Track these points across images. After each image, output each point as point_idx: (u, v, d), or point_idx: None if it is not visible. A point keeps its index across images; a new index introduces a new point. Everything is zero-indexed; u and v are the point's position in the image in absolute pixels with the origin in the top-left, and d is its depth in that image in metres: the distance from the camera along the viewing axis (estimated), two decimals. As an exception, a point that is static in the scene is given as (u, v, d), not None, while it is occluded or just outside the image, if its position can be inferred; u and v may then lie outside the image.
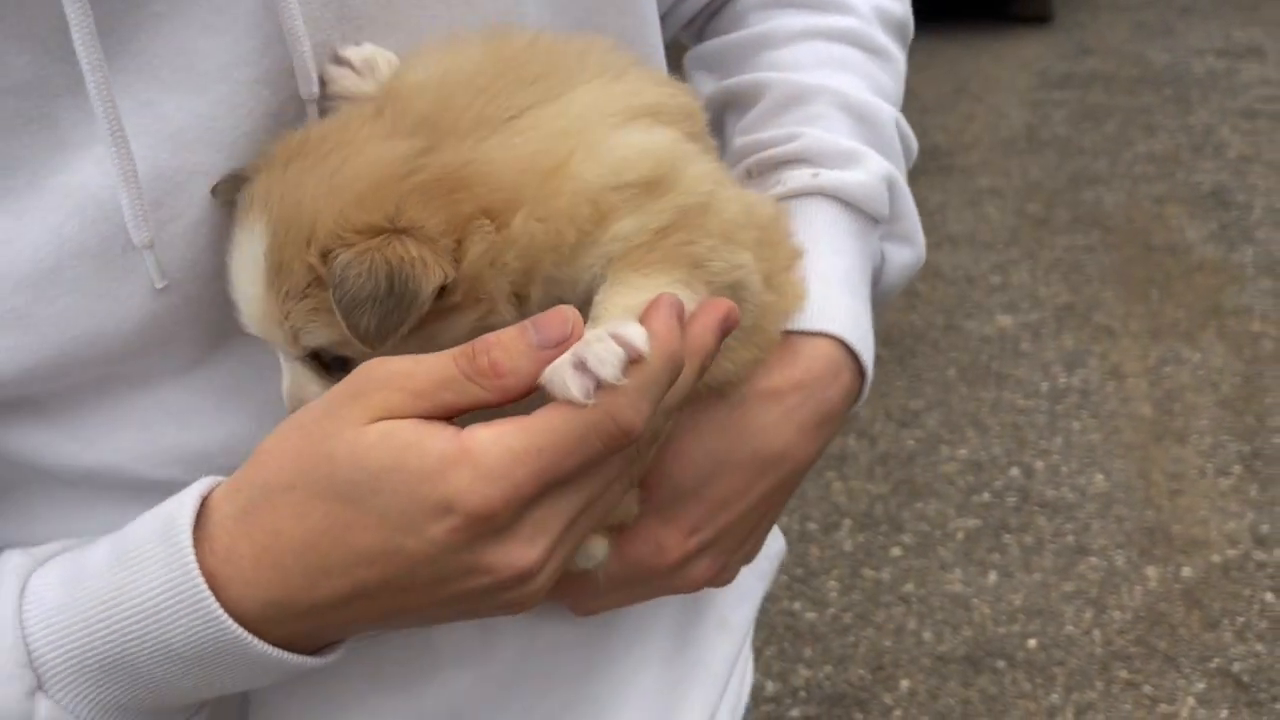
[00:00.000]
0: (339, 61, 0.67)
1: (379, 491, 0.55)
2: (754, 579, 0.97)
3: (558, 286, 0.64)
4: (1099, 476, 3.62)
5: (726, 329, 0.64)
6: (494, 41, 0.67)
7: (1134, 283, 4.96)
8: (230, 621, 0.59)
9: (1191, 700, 2.74)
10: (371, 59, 0.67)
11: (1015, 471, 3.68)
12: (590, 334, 0.57)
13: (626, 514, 0.75)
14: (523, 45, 0.67)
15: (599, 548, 0.72)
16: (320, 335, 0.61)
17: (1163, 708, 2.73)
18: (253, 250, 0.61)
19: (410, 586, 0.57)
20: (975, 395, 4.09)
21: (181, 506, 0.60)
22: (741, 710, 0.97)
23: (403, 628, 0.70)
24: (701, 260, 0.65)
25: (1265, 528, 3.31)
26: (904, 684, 2.88)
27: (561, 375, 0.55)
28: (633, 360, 0.55)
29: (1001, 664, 2.90)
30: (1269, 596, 3.05)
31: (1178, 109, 7.39)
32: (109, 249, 0.62)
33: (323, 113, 0.67)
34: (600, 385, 0.55)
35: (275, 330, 0.62)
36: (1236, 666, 2.83)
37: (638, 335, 0.56)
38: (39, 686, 0.60)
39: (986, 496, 3.56)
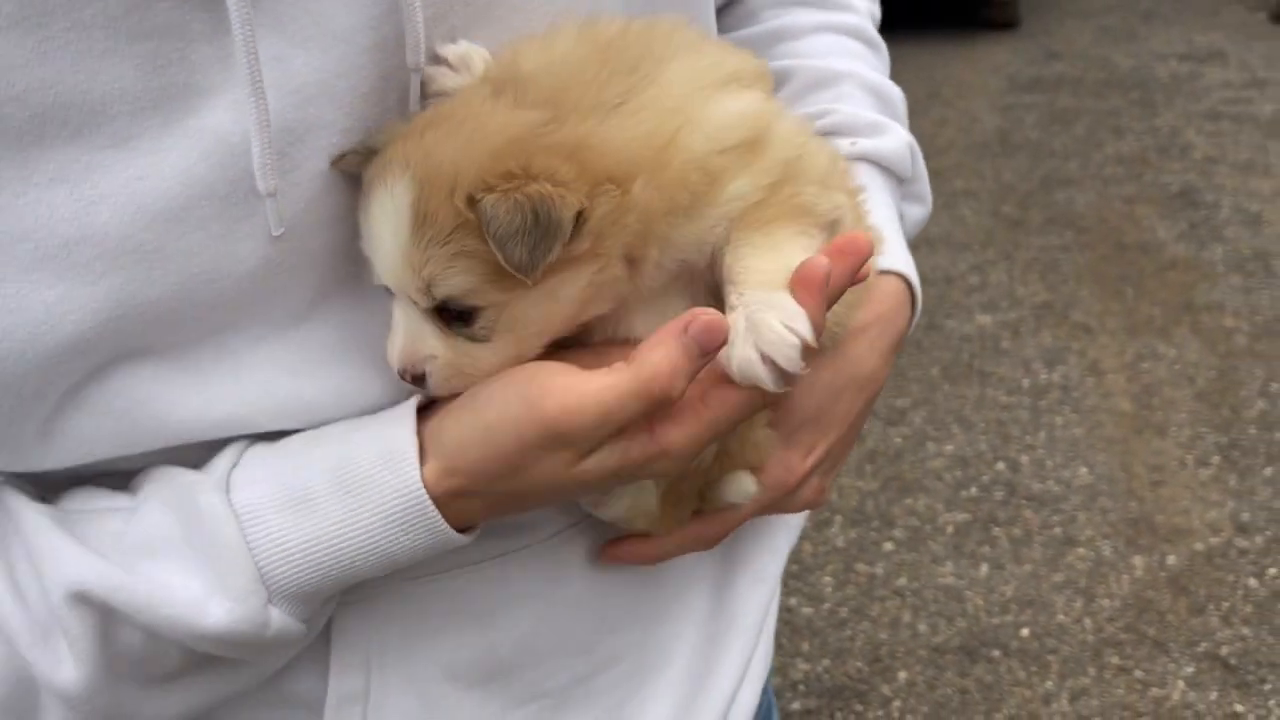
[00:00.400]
0: (437, 60, 0.72)
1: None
2: (784, 535, 1.03)
3: (679, 249, 0.71)
4: (1083, 469, 3.70)
5: (857, 281, 0.73)
6: (589, 32, 0.72)
7: (1109, 281, 5.06)
8: (450, 530, 0.70)
9: (1181, 683, 2.81)
10: (467, 55, 0.72)
11: (1001, 466, 3.76)
12: (759, 316, 0.66)
13: (767, 451, 0.84)
14: (616, 34, 0.72)
15: (749, 484, 0.82)
16: (456, 282, 0.67)
17: (1154, 691, 2.80)
18: (396, 204, 0.66)
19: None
20: (959, 393, 4.16)
21: (401, 433, 0.70)
22: (769, 658, 1.04)
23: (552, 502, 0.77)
24: (810, 207, 0.72)
25: (1245, 515, 3.39)
26: (901, 675, 2.93)
27: (755, 370, 0.66)
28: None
29: (996, 653, 2.95)
30: (1252, 582, 3.13)
31: (1144, 112, 7.54)
32: (233, 192, 0.65)
33: (424, 103, 0.72)
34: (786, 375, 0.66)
35: (411, 279, 0.67)
36: (1224, 650, 2.90)
37: (805, 327, 0.66)
38: (269, 600, 0.69)
39: (974, 491, 3.63)
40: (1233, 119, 7.24)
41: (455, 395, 0.71)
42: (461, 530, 0.71)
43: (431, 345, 0.69)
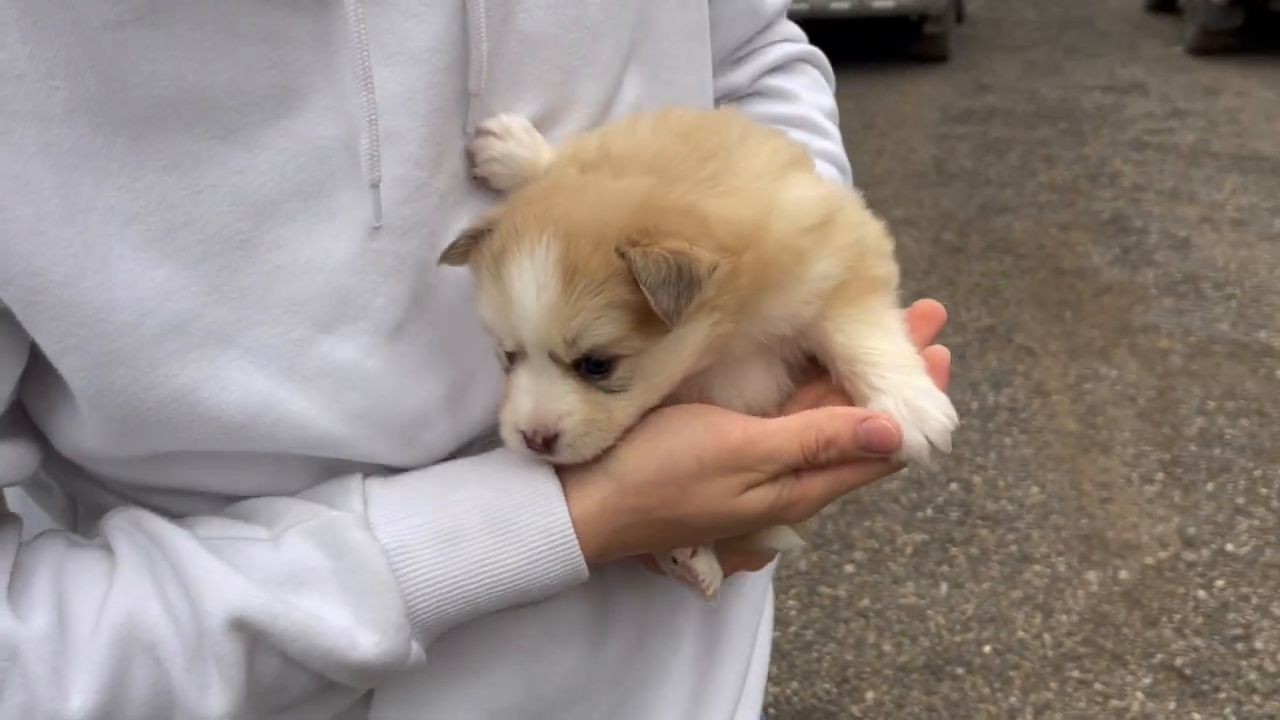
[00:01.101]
0: (480, 133, 0.77)
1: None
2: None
3: (769, 321, 0.77)
4: (1034, 488, 3.78)
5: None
6: (665, 120, 0.80)
7: (1049, 305, 5.20)
8: (584, 564, 0.74)
9: (1140, 694, 2.88)
10: (507, 125, 0.78)
11: (955, 487, 3.82)
12: (919, 404, 0.75)
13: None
14: (693, 123, 0.80)
15: (794, 537, 0.88)
16: (604, 331, 0.71)
17: (1114, 703, 2.86)
18: (541, 261, 0.70)
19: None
20: (911, 416, 4.23)
21: (545, 473, 0.74)
22: (764, 677, 1.08)
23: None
24: (886, 280, 0.82)
25: (1191, 529, 3.50)
26: (869, 695, 2.95)
27: (923, 454, 0.75)
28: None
29: (960, 670, 3.00)
30: (1201, 593, 3.22)
31: (1073, 141, 7.79)
32: (319, 193, 0.69)
33: (477, 166, 0.78)
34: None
35: (558, 333, 0.71)
36: (1179, 660, 2.98)
37: (954, 413, 0.76)
38: (412, 634, 0.71)
39: (930, 512, 3.69)
40: (1156, 148, 7.51)
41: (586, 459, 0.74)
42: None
43: (568, 402, 0.72)
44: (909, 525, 3.62)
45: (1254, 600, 3.17)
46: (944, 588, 3.32)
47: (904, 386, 0.76)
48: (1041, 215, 6.39)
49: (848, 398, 0.79)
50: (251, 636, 0.67)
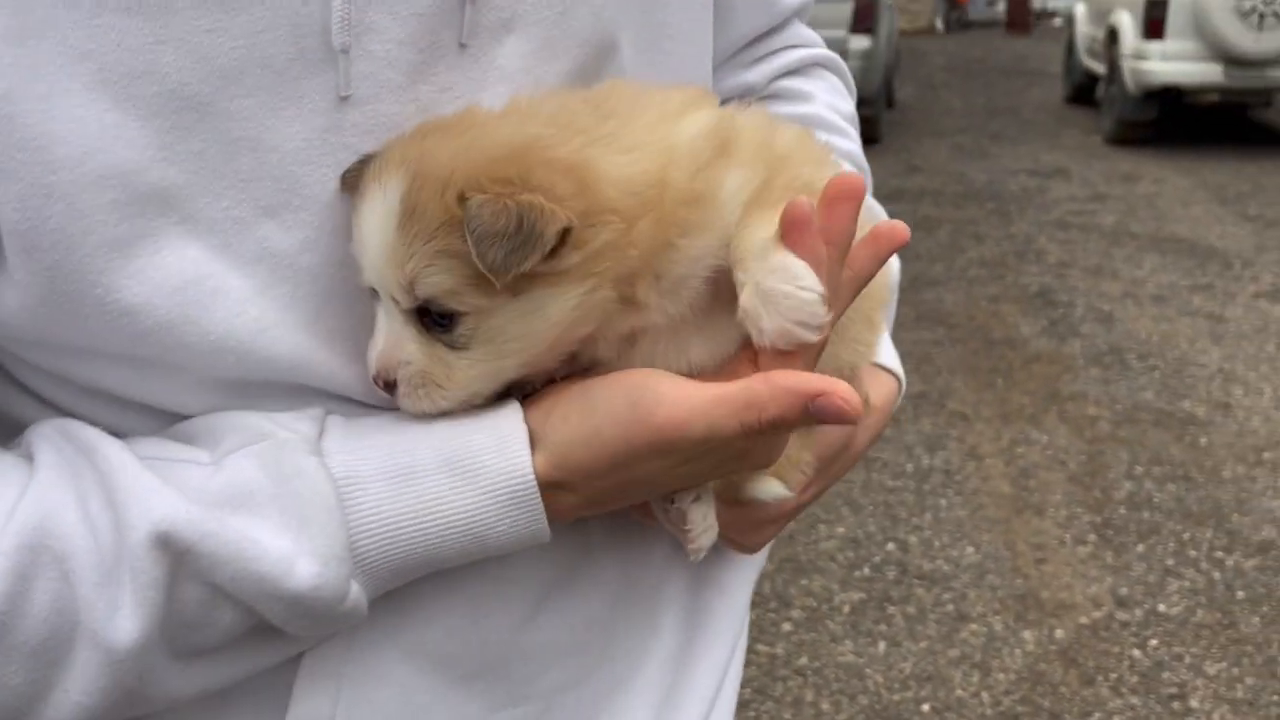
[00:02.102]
0: None
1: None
2: (749, 561, 1.01)
3: (701, 264, 0.70)
4: (969, 549, 3.78)
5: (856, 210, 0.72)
6: (575, 89, 0.76)
7: (980, 373, 5.28)
8: (545, 520, 0.69)
9: (1079, 753, 2.85)
10: None
11: (891, 546, 3.81)
12: (768, 286, 0.67)
13: (802, 474, 0.85)
14: (597, 90, 0.75)
15: (779, 487, 0.82)
16: (437, 281, 0.65)
17: (1053, 762, 2.82)
18: (386, 199, 0.65)
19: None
20: (847, 476, 4.22)
21: (512, 421, 0.69)
22: (739, 677, 1.02)
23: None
24: (811, 184, 0.72)
25: (1124, 590, 3.51)
26: (807, 755, 2.88)
27: (792, 335, 0.67)
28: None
29: (899, 729, 2.94)
30: (1136, 653, 3.22)
31: (1000, 220, 8.02)
32: (289, 69, 0.65)
33: None
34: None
35: (394, 277, 0.66)
36: (1116, 719, 2.96)
37: (812, 280, 0.67)
38: (352, 572, 0.66)
39: (867, 570, 3.66)
40: (1079, 228, 7.76)
41: (550, 392, 0.70)
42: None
43: (407, 350, 0.68)
44: (846, 584, 3.59)
45: (1187, 660, 3.18)
46: (882, 646, 3.27)
47: (756, 271, 0.68)
48: (971, 288, 6.53)
49: None
50: (176, 556, 0.61)
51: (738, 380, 0.68)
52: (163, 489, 0.62)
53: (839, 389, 0.66)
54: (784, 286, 0.67)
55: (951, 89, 15.83)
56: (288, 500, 0.64)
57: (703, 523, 0.76)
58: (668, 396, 0.67)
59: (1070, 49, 13.57)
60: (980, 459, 4.41)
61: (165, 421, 0.70)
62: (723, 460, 0.70)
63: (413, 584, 0.72)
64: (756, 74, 1.04)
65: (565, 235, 0.65)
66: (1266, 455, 4.34)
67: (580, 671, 0.83)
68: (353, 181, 0.68)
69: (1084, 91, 13.05)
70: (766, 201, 0.70)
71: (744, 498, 0.81)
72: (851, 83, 1.15)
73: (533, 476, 0.68)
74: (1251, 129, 11.19)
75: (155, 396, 0.70)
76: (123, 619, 0.60)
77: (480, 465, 0.68)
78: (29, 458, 0.65)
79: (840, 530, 3.90)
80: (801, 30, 1.09)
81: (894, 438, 4.54)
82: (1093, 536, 3.83)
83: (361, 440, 0.68)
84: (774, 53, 1.06)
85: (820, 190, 0.71)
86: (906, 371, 1.06)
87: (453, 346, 0.68)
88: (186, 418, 0.70)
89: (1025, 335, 5.75)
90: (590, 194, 0.66)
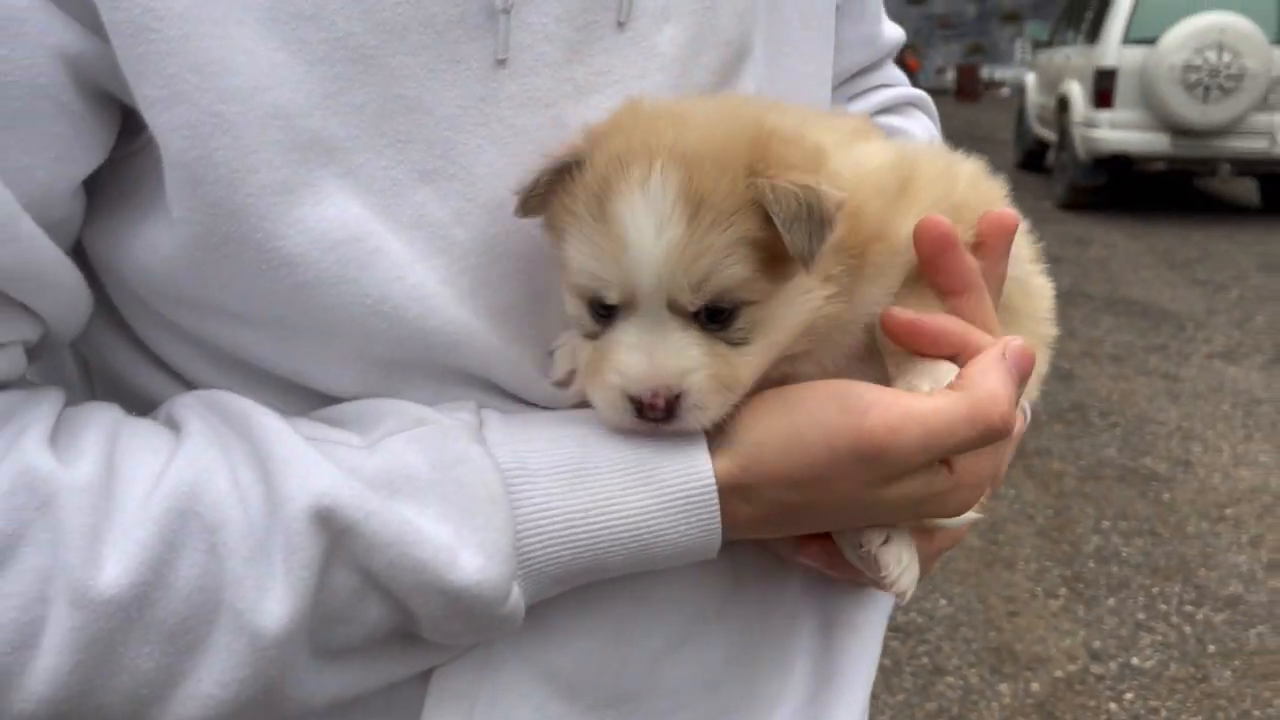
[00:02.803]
0: None
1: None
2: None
3: (870, 309, 0.69)
4: (942, 601, 3.76)
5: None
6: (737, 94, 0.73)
7: (945, 427, 5.31)
8: (718, 530, 0.64)
9: (1060, 808, 2.81)
10: None
11: (865, 599, 3.78)
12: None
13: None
14: (769, 101, 0.73)
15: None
16: (734, 272, 0.61)
17: (1035, 817, 2.78)
18: (660, 193, 0.60)
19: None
20: (818, 528, 4.21)
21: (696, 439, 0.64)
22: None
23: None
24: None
25: (1097, 643, 3.51)
26: (787, 810, 2.81)
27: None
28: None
29: (879, 784, 2.89)
30: (1112, 706, 3.20)
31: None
32: (449, 30, 0.62)
33: None
34: None
35: (682, 275, 0.61)
36: (1096, 773, 2.94)
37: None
38: (514, 574, 0.61)
39: (841, 623, 3.62)
40: (1036, 289, 7.89)
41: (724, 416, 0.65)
42: None
43: (691, 356, 0.62)
44: (821, 636, 3.54)
45: (1163, 713, 3.17)
46: (859, 699, 3.23)
47: (912, 372, 0.66)
48: (934, 344, 6.60)
49: None
50: (335, 535, 0.56)
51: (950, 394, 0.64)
52: (323, 462, 0.58)
53: (1008, 338, 0.65)
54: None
55: (906, 152, 16.13)
56: (450, 488, 0.60)
57: (898, 565, 0.70)
58: (881, 400, 0.63)
59: (1021, 116, 13.95)
60: (949, 512, 4.41)
61: (305, 403, 0.66)
62: (924, 496, 0.66)
63: (555, 600, 0.66)
64: (857, 108, 1.04)
65: (839, 210, 0.63)
66: (1229, 511, 4.40)
67: (711, 714, 0.78)
68: (536, 203, 0.64)
69: (1035, 158, 13.39)
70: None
71: (928, 524, 0.75)
72: (937, 119, 1.16)
73: (712, 481, 0.63)
74: (1197, 197, 11.54)
75: (298, 370, 0.65)
76: (272, 601, 0.55)
77: (657, 466, 0.63)
78: (172, 426, 0.61)
79: (813, 581, 3.86)
80: (894, 69, 1.10)
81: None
82: (1063, 590, 3.83)
83: (527, 432, 0.64)
84: (873, 89, 1.06)
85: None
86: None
87: (732, 343, 0.63)
88: (327, 400, 0.66)
89: (988, 391, 5.80)
90: (826, 171, 0.65)
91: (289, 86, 0.59)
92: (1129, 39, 9.96)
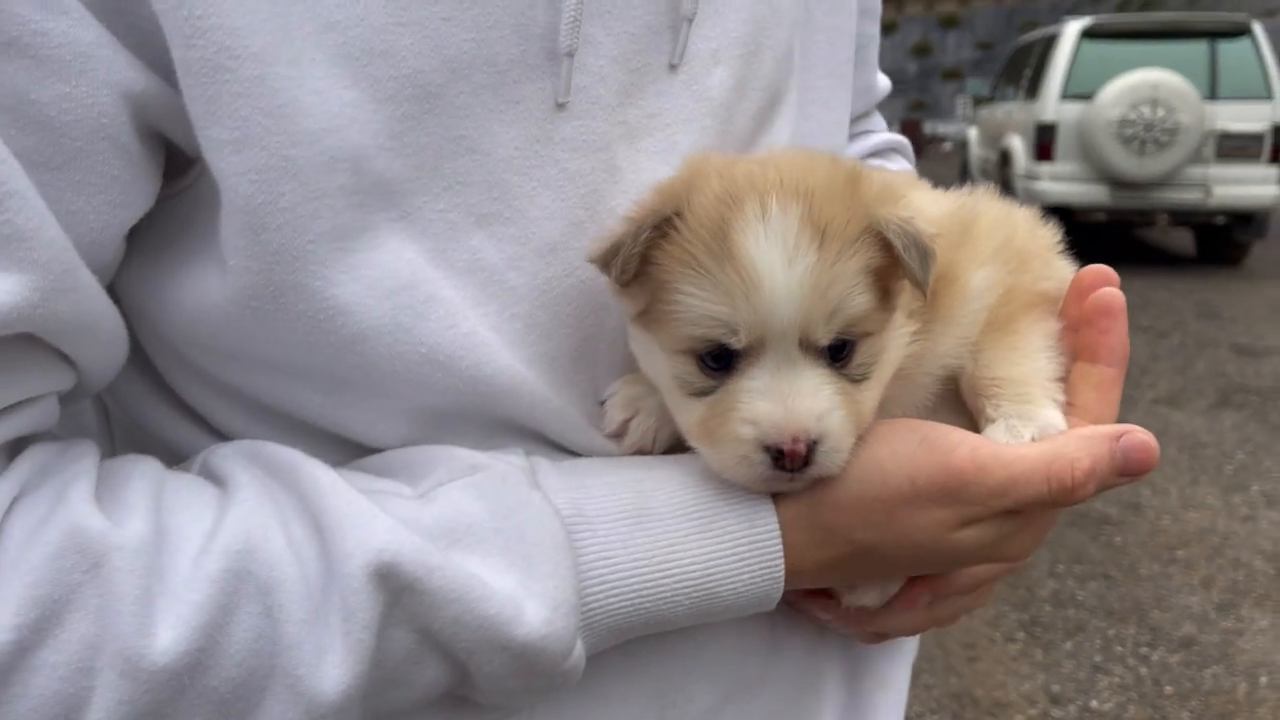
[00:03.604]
0: None
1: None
2: (907, 642, 0.97)
3: (940, 361, 0.69)
4: (902, 648, 3.75)
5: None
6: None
7: (900, 473, 5.35)
8: (781, 579, 0.62)
9: None
10: None
11: (825, 646, 3.76)
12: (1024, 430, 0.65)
13: None
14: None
15: None
16: (861, 301, 0.60)
17: None
18: (782, 224, 0.58)
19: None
20: (776, 576, 4.20)
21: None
22: None
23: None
24: (1050, 294, 0.72)
25: (1056, 687, 3.52)
26: None
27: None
28: None
29: (844, 834, 2.85)
30: (1073, 750, 3.21)
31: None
32: (511, 72, 0.62)
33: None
34: None
35: (818, 307, 0.58)
36: (1060, 818, 2.92)
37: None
38: (579, 626, 0.58)
39: (802, 671, 3.60)
40: (984, 337, 8.03)
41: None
42: None
43: (825, 397, 0.59)
44: (782, 685, 3.52)
45: (1123, 756, 3.18)
46: (822, 748, 3.20)
47: (1011, 412, 0.65)
48: (886, 392, 6.66)
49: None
50: (394, 593, 0.53)
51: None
52: (380, 515, 0.54)
53: (1137, 428, 0.63)
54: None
55: (853, 205, 16.43)
56: (511, 536, 0.57)
57: (874, 601, 0.74)
58: (968, 440, 0.62)
59: (964, 170, 14.27)
60: (906, 558, 4.43)
61: (345, 453, 0.63)
62: (997, 538, 0.64)
63: (602, 659, 0.63)
64: (851, 152, 1.06)
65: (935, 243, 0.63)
66: (1179, 553, 4.45)
67: None
68: (637, 261, 0.60)
69: (979, 209, 13.68)
70: (1011, 317, 0.68)
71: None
72: (915, 165, 1.18)
73: (775, 525, 0.61)
74: (1136, 246, 11.84)
75: (342, 421, 0.62)
76: (330, 665, 0.52)
77: (719, 511, 0.61)
78: (216, 479, 0.58)
79: (773, 630, 3.84)
80: (878, 115, 1.13)
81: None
82: (1021, 634, 3.84)
83: (581, 478, 0.62)
84: (860, 135, 1.08)
85: (1040, 296, 0.70)
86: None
87: (854, 380, 0.61)
88: (368, 451, 0.63)
89: (941, 437, 5.86)
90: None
91: (357, 128, 0.57)
92: (1067, 94, 10.26)
